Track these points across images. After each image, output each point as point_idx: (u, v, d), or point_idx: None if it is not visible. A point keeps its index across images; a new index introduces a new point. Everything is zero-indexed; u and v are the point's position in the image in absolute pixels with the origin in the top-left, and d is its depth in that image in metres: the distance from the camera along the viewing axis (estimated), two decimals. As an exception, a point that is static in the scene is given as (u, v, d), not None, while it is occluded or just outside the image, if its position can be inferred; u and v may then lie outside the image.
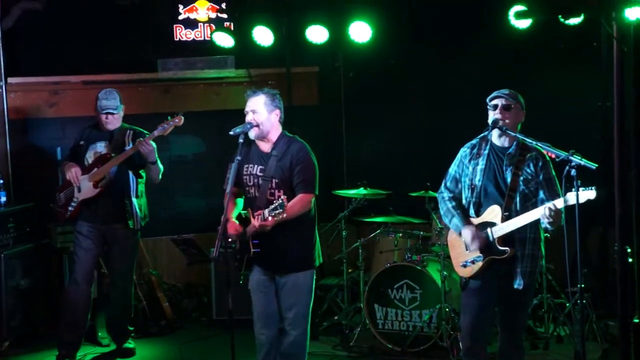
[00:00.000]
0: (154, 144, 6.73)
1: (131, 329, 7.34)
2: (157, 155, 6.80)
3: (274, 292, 5.69)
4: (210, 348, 7.42)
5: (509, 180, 5.14)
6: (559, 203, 4.85)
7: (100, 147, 6.90)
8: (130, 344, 7.26)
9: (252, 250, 5.52)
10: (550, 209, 4.84)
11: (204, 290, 8.58)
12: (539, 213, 4.92)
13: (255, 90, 5.69)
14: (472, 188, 5.28)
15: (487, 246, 5.17)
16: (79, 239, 6.89)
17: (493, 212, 5.15)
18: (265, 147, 5.65)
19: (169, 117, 6.75)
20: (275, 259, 5.58)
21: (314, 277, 5.75)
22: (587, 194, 4.71)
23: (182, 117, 6.76)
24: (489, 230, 5.15)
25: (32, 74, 8.71)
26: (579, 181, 4.70)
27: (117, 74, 8.76)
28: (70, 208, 6.85)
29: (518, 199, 5.11)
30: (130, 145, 6.81)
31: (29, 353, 7.31)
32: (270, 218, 5.28)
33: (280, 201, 5.24)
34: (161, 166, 6.95)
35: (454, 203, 5.38)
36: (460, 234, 5.30)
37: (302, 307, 5.66)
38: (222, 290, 7.79)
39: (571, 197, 4.76)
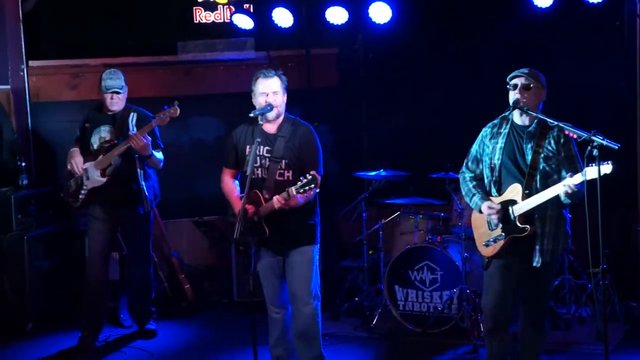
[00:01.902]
0: (148, 137, 6.64)
1: (153, 309, 7.38)
2: (151, 149, 6.70)
3: (283, 272, 5.76)
4: (231, 329, 7.45)
5: (529, 158, 5.13)
6: (577, 179, 4.83)
7: (105, 131, 6.86)
8: (152, 326, 7.31)
9: (266, 230, 5.57)
10: (570, 186, 4.83)
11: (225, 272, 8.61)
12: (559, 190, 4.91)
13: (269, 71, 5.73)
14: (491, 167, 5.28)
15: (508, 224, 5.16)
16: (93, 222, 6.91)
17: (514, 191, 5.15)
18: (271, 128, 5.70)
19: (165, 107, 6.61)
20: (282, 235, 5.64)
21: (318, 254, 5.81)
22: (603, 168, 4.69)
23: (178, 108, 6.58)
24: (510, 208, 5.14)
25: (53, 57, 8.74)
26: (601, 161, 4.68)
27: (137, 57, 8.79)
28: (80, 197, 6.83)
29: (539, 177, 5.11)
30: (134, 130, 6.74)
31: (52, 334, 7.37)
32: (296, 193, 5.34)
33: (311, 176, 5.27)
34: (160, 156, 6.90)
35: (474, 183, 5.42)
36: (480, 211, 5.32)
37: (309, 281, 5.70)
38: (243, 272, 7.82)
39: (587, 172, 4.73)
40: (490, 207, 5.23)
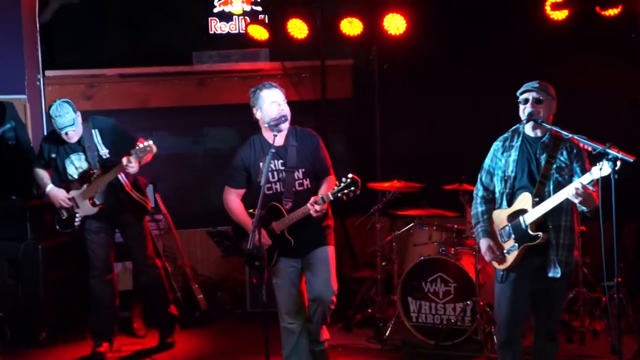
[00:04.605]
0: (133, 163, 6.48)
1: (176, 315, 7.33)
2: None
3: (301, 281, 5.80)
4: (244, 339, 7.45)
5: (542, 167, 5.13)
6: (585, 179, 4.83)
7: (78, 160, 6.74)
8: (171, 339, 7.26)
9: (292, 240, 5.62)
10: (576, 187, 4.81)
11: (238, 282, 8.62)
12: (567, 192, 4.89)
13: (272, 83, 5.81)
14: (505, 180, 5.26)
15: (520, 234, 5.15)
16: (91, 235, 6.86)
17: (524, 199, 5.13)
18: (279, 140, 5.68)
19: (144, 142, 6.43)
20: (300, 241, 5.66)
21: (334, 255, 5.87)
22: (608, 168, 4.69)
23: (155, 147, 6.46)
24: (520, 218, 5.13)
25: (69, 67, 8.80)
26: (616, 175, 4.66)
27: (152, 67, 8.86)
28: (76, 223, 6.80)
29: (552, 187, 5.07)
30: (103, 149, 6.68)
31: (66, 343, 7.39)
32: (332, 198, 5.40)
33: (350, 180, 5.31)
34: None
35: (484, 207, 5.39)
36: (478, 243, 5.39)
37: (331, 278, 5.72)
38: (257, 283, 7.83)
39: (595, 171, 4.74)
40: (489, 248, 5.27)
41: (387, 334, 7.25)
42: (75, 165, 6.76)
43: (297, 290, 5.80)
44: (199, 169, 8.99)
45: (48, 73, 8.68)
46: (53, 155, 6.82)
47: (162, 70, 8.93)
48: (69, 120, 6.54)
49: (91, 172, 6.68)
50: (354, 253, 9.00)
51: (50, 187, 6.81)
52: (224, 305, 8.49)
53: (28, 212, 7.41)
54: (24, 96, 8.42)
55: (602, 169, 4.70)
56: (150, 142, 6.45)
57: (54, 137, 6.78)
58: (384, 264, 7.85)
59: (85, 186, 6.71)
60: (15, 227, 7.41)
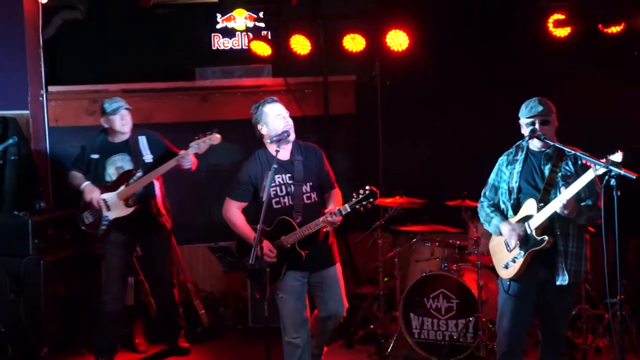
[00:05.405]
0: (189, 157, 6.68)
1: (182, 324, 7.40)
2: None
3: (306, 295, 5.83)
4: (246, 356, 7.43)
5: (546, 175, 5.15)
6: (567, 194, 4.89)
7: (120, 161, 6.84)
8: (185, 343, 7.35)
9: (303, 253, 5.65)
10: (561, 201, 4.89)
11: (240, 297, 8.60)
12: (555, 206, 4.97)
13: (273, 98, 5.87)
14: (510, 191, 5.30)
15: (526, 239, 5.16)
16: (113, 249, 6.89)
17: (529, 206, 5.19)
18: (285, 154, 5.71)
19: (206, 134, 6.63)
20: (315, 255, 5.69)
21: None
22: (613, 157, 4.71)
23: (219, 136, 6.63)
24: (526, 224, 5.15)
25: (72, 83, 8.81)
26: (619, 192, 4.66)
27: (155, 83, 8.87)
28: (102, 227, 6.82)
29: (559, 194, 5.07)
30: (148, 153, 6.82)
31: (67, 359, 7.38)
32: (350, 209, 5.45)
33: (366, 193, 5.32)
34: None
35: (492, 208, 5.42)
36: (500, 232, 5.32)
37: (343, 296, 5.86)
38: (259, 298, 7.81)
39: (584, 177, 4.82)
40: (512, 229, 5.22)
41: (389, 351, 7.23)
42: (117, 165, 6.84)
43: (302, 304, 5.80)
44: (201, 184, 8.98)
45: (51, 88, 8.68)
46: (94, 156, 6.90)
47: (165, 86, 8.94)
48: (124, 103, 6.78)
49: (133, 172, 6.74)
50: (356, 269, 8.98)
51: (86, 183, 6.87)
52: (225, 321, 8.47)
53: (30, 227, 7.40)
54: (27, 111, 8.41)
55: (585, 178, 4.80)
56: (215, 135, 6.62)
57: (98, 138, 6.94)
58: (386, 280, 7.84)
59: (123, 187, 6.74)
60: (17, 242, 7.38)
